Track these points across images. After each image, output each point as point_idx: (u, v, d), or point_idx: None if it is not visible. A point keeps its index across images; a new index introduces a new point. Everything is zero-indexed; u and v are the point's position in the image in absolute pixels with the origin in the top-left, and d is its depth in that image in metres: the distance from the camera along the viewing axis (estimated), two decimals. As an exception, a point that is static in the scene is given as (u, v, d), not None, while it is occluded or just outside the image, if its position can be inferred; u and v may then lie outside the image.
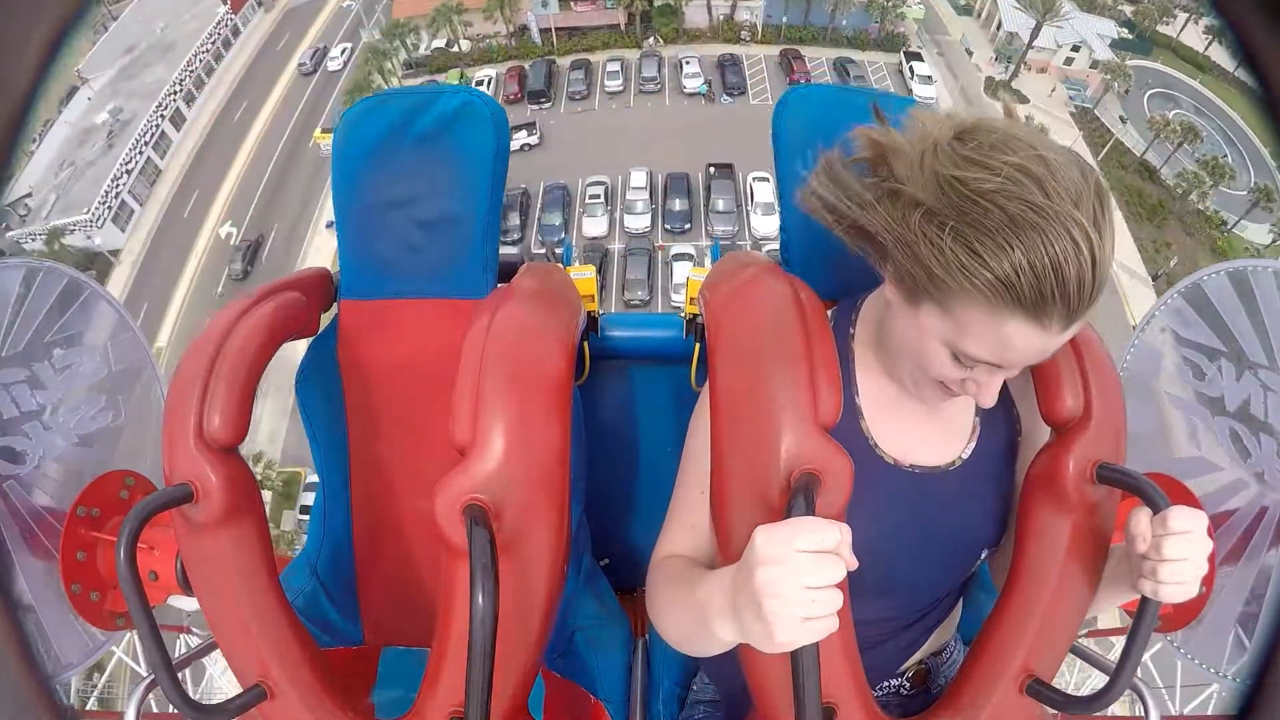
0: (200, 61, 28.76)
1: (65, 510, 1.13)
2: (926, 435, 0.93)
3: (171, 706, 0.79)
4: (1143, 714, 0.92)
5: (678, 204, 22.69)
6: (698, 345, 1.36)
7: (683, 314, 1.45)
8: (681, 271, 20.99)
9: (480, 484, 0.82)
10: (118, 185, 24.53)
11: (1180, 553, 0.72)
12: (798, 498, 0.70)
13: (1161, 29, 29.25)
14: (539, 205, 23.11)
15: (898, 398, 0.93)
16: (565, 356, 0.95)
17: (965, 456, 0.93)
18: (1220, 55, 27.50)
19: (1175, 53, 29.04)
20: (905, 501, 0.92)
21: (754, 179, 22.68)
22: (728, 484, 0.82)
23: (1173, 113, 25.71)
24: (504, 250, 1.23)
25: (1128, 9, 28.40)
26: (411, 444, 1.23)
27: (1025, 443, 0.96)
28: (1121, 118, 26.47)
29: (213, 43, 29.62)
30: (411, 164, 1.16)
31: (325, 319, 1.24)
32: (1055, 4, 26.84)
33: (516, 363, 0.88)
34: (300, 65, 29.30)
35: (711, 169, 23.25)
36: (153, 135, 26.22)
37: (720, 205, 22.47)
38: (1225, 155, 24.44)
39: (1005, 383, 0.97)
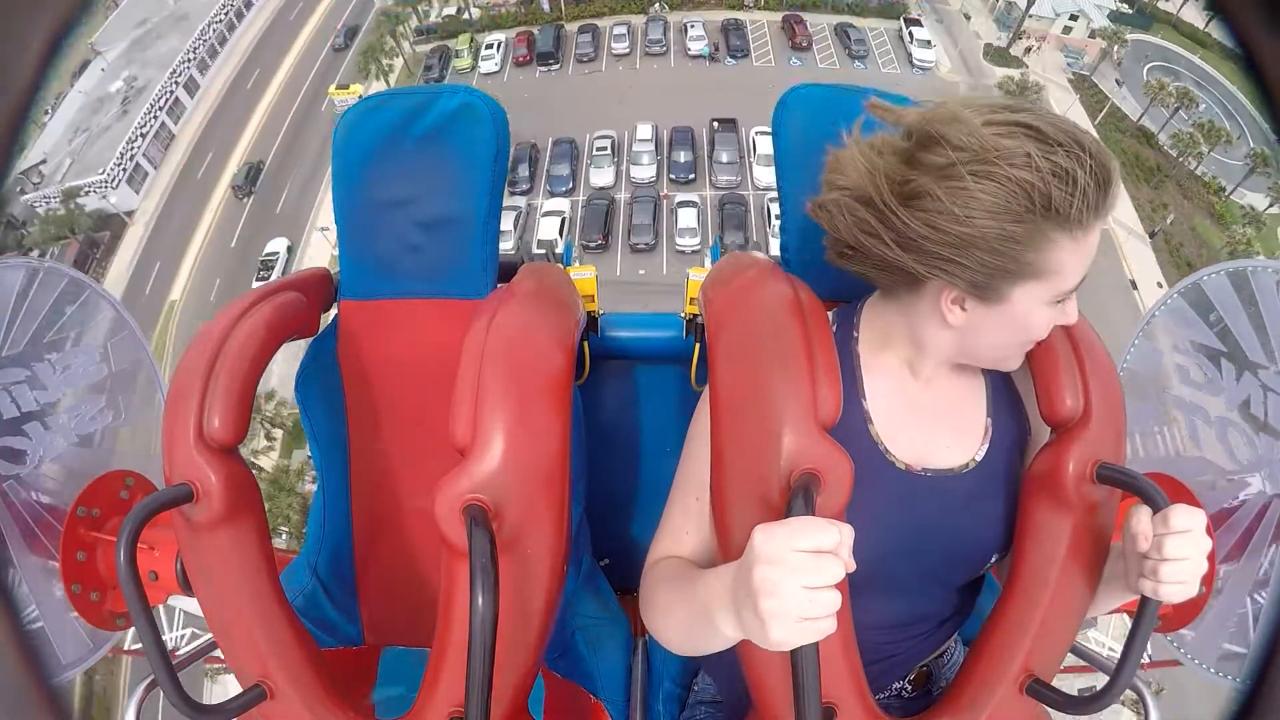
0: (214, 31, 29.52)
1: (65, 510, 1.13)
2: (939, 437, 0.93)
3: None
4: (1143, 714, 0.93)
5: (682, 155, 23.74)
6: (698, 345, 1.36)
7: (683, 313, 1.45)
8: (686, 217, 22.01)
9: (480, 484, 0.82)
10: (132, 148, 25.19)
11: (1181, 552, 0.72)
12: (797, 497, 0.70)
13: (1162, 5, 29.84)
14: (547, 158, 24.10)
15: (908, 401, 0.93)
16: (565, 357, 0.95)
17: (979, 458, 0.93)
18: (1220, 30, 27.81)
19: (1175, 28, 29.53)
20: (919, 506, 0.90)
21: (756, 133, 23.60)
22: (728, 483, 0.82)
23: (1173, 85, 26.11)
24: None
25: (1126, -16, 28.99)
26: (412, 444, 1.23)
27: (1032, 443, 0.96)
28: (1117, 80, 26.98)
29: (225, 13, 30.41)
30: (411, 164, 1.16)
31: (325, 319, 1.24)
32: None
33: (516, 363, 0.88)
34: (334, 43, 30.57)
35: (715, 123, 24.21)
36: (167, 101, 26.86)
37: (724, 157, 23.41)
38: (1223, 124, 24.86)
39: (1013, 382, 0.97)
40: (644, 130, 24.37)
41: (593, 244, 21.88)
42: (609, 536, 1.55)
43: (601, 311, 1.44)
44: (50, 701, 0.53)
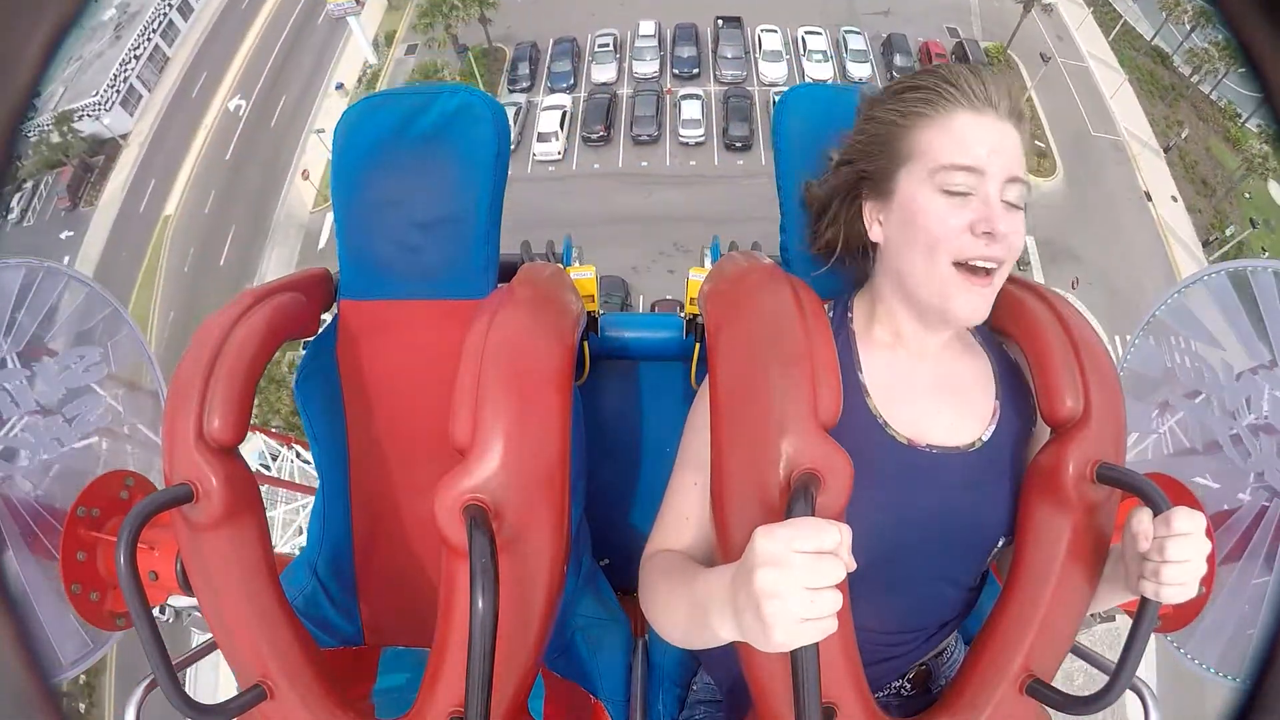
0: None
1: (65, 510, 1.13)
2: (943, 414, 0.93)
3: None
4: (1143, 714, 0.93)
5: (686, 51, 23.46)
6: (698, 345, 1.36)
7: (683, 313, 1.45)
8: (690, 109, 21.70)
9: (480, 484, 0.82)
10: (125, 70, 24.85)
11: (1182, 554, 0.72)
12: (798, 498, 0.70)
13: None
14: (548, 56, 23.84)
15: (904, 375, 0.93)
16: (565, 357, 0.95)
17: (986, 438, 0.93)
18: (1220, 31, 27.70)
19: None
20: (921, 483, 0.90)
21: (762, 30, 23.42)
22: (728, 484, 0.82)
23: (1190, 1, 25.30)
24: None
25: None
26: (412, 445, 1.23)
27: (1033, 441, 0.96)
28: None
29: None
30: (411, 164, 1.16)
31: (325, 319, 1.24)
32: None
33: (516, 363, 0.88)
34: None
35: (719, 21, 23.88)
36: (160, 24, 26.45)
37: (728, 53, 23.13)
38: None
39: (1022, 373, 0.98)
40: (647, 27, 23.94)
41: (594, 136, 21.55)
42: (609, 536, 1.55)
43: (601, 311, 1.44)
44: (50, 701, 0.53)
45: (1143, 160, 21.86)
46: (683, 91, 22.54)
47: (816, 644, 0.64)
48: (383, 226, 1.17)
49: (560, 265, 1.44)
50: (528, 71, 23.42)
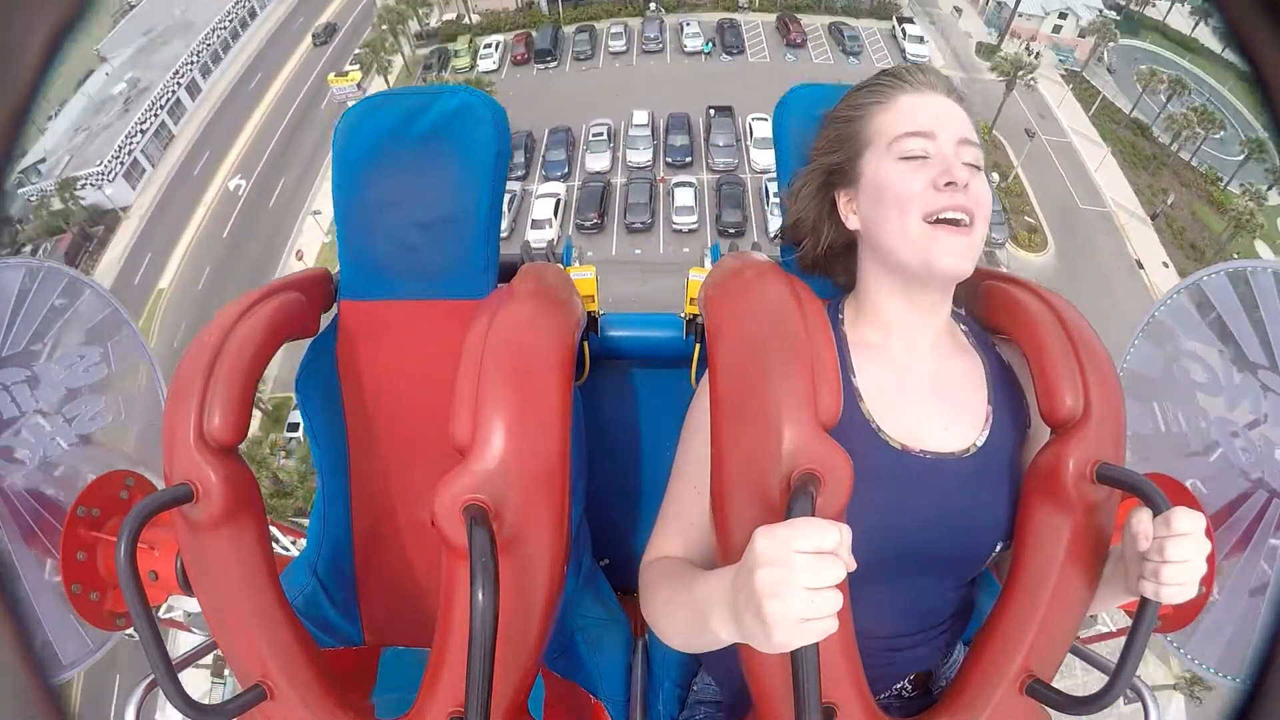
0: (217, 37, 30.44)
1: (65, 510, 1.13)
2: (933, 418, 0.93)
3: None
4: (1143, 714, 0.93)
5: (679, 140, 24.11)
6: (698, 345, 1.36)
7: (683, 313, 1.45)
8: (683, 196, 22.14)
9: (480, 484, 0.82)
10: (131, 142, 25.74)
11: (1182, 554, 0.72)
12: (798, 498, 0.70)
13: (1149, 13, 31.05)
14: (543, 145, 24.54)
15: (895, 378, 0.93)
16: (565, 356, 0.95)
17: (980, 444, 0.93)
18: (1207, 37, 29.32)
19: (1163, 34, 30.60)
20: (917, 489, 0.90)
21: (753, 119, 24.00)
22: (728, 483, 0.82)
23: (1165, 73, 27.01)
24: (503, 255, 1.24)
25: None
26: (412, 445, 1.23)
27: (1031, 442, 0.96)
28: (1109, 69, 28.02)
29: (230, 21, 31.37)
30: (412, 164, 1.15)
31: (325, 319, 1.24)
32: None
33: (516, 363, 0.88)
34: (313, 36, 31.66)
35: (712, 110, 24.62)
36: (168, 101, 27.54)
37: (720, 141, 23.79)
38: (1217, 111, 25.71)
39: (1015, 376, 0.97)
40: (640, 116, 24.60)
41: (588, 223, 21.87)
42: (609, 536, 1.55)
43: (602, 311, 1.44)
44: (50, 701, 0.53)
45: (1131, 229, 22.76)
46: (676, 179, 23.03)
47: (817, 644, 0.64)
48: (383, 226, 1.17)
49: (560, 265, 1.44)
50: (523, 160, 23.95)
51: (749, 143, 23.69)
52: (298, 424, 17.53)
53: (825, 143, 1.00)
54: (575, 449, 0.97)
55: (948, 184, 0.86)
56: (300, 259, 22.28)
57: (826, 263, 1.06)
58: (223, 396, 0.90)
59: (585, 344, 1.37)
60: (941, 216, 0.87)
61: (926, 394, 0.93)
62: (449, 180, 1.16)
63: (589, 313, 1.36)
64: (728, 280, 0.97)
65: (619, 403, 1.59)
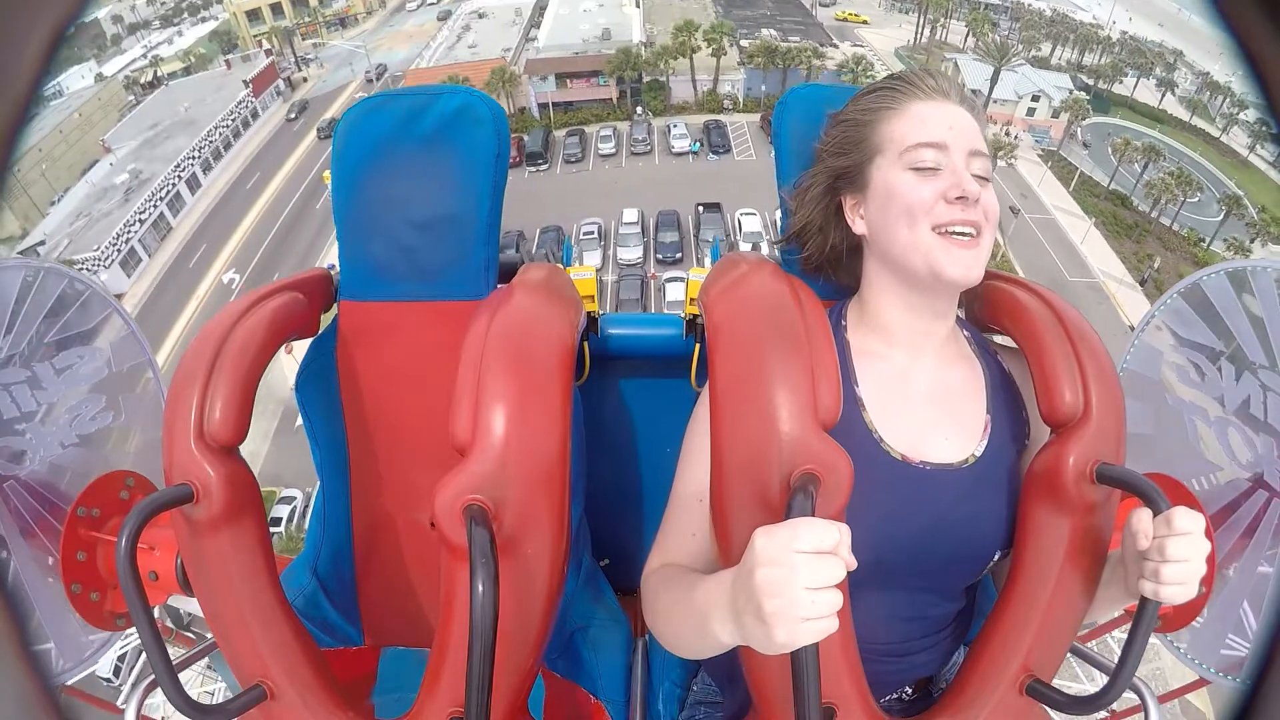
0: (220, 135, 31.58)
1: (65, 510, 1.13)
2: (935, 429, 0.93)
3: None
4: (1143, 714, 0.92)
5: (668, 236, 24.39)
6: (698, 345, 1.36)
7: (683, 314, 1.45)
8: (675, 291, 22.25)
9: (480, 484, 0.82)
10: (129, 231, 26.32)
11: (1182, 554, 0.72)
12: (797, 498, 0.70)
13: (1117, 89, 32.58)
14: (534, 244, 24.84)
15: (898, 388, 0.93)
16: (565, 357, 0.94)
17: (979, 454, 0.93)
18: (1175, 106, 31.31)
19: (1132, 109, 32.06)
20: (918, 501, 0.90)
21: (741, 214, 24.41)
22: (727, 483, 0.82)
23: (1139, 141, 28.34)
24: (503, 255, 1.25)
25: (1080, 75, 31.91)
26: (412, 445, 1.23)
27: (1032, 444, 0.96)
28: (1085, 144, 29.19)
29: (233, 120, 32.63)
30: (412, 165, 1.15)
31: (325, 319, 1.24)
32: (1009, 51, 29.86)
33: (516, 363, 0.88)
34: (318, 130, 32.97)
35: (700, 207, 24.98)
36: (168, 193, 28.31)
37: (710, 236, 23.88)
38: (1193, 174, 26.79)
39: (1015, 384, 0.97)
40: (630, 214, 24.92)
41: None
42: (609, 536, 1.55)
43: (601, 312, 1.44)
44: (50, 701, 0.53)
45: (1121, 296, 23.15)
46: (666, 275, 23.15)
47: (817, 644, 0.64)
48: (382, 227, 1.17)
49: (560, 266, 1.44)
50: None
51: (738, 237, 23.85)
52: (279, 519, 16.31)
53: (833, 143, 0.99)
54: (575, 449, 0.97)
55: (959, 198, 0.86)
56: (290, 353, 22.34)
57: (830, 265, 1.05)
58: (223, 396, 0.90)
59: (585, 344, 1.37)
60: (951, 230, 0.87)
61: (927, 403, 0.93)
62: (449, 180, 1.15)
63: (589, 313, 1.36)
64: (728, 280, 0.97)
65: (619, 403, 1.59)
